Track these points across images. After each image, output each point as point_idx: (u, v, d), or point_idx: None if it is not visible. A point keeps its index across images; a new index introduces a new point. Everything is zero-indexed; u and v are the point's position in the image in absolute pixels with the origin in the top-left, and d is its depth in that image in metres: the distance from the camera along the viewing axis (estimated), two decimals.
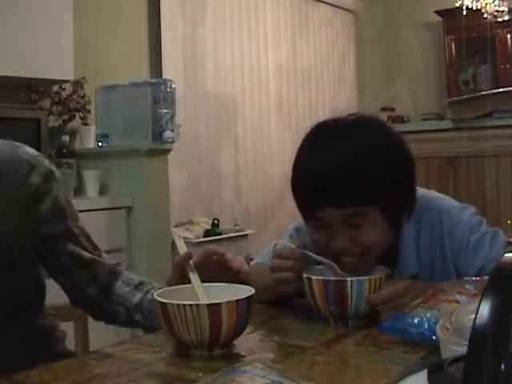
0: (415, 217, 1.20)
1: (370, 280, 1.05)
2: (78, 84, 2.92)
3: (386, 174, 1.09)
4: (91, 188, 2.78)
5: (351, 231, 1.11)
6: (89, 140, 2.97)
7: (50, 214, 1.12)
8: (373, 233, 1.10)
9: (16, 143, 1.12)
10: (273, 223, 4.18)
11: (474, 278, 0.98)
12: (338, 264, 1.15)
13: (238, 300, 0.92)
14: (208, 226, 3.35)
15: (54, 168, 1.15)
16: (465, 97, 4.66)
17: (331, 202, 1.08)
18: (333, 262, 1.15)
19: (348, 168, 1.07)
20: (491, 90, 4.61)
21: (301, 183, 1.14)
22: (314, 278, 1.08)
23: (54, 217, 1.13)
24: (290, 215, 4.30)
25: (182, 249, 1.07)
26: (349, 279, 1.05)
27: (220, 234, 3.34)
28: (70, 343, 1.33)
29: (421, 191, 1.24)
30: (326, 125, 1.16)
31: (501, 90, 4.47)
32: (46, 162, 1.14)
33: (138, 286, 1.21)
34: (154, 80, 2.94)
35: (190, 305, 0.89)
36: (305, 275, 1.09)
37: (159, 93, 2.75)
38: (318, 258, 1.14)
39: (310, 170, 1.11)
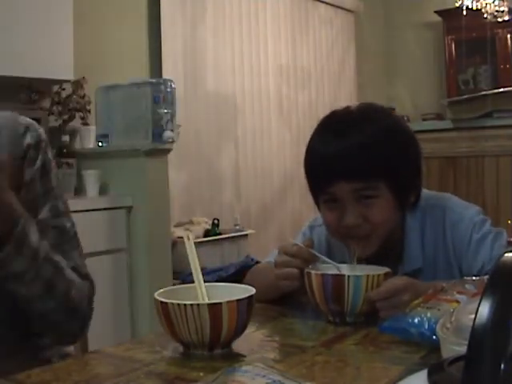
0: (421, 214, 1.25)
1: (368, 276, 1.06)
2: (78, 84, 2.92)
3: (395, 152, 1.16)
4: (91, 188, 2.77)
5: (362, 208, 1.16)
6: (89, 140, 2.96)
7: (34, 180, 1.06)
8: (382, 211, 1.16)
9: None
10: (273, 223, 4.18)
11: (474, 278, 0.98)
12: (349, 245, 1.20)
13: (238, 300, 0.92)
14: (208, 226, 3.35)
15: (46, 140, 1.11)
16: (465, 97, 4.66)
17: (343, 177, 1.14)
18: (344, 243, 1.22)
19: (360, 146, 1.14)
20: (491, 90, 4.60)
21: (315, 160, 1.20)
22: (313, 272, 1.10)
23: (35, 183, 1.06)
24: (290, 215, 4.32)
25: (191, 250, 1.08)
26: (346, 274, 1.07)
27: (220, 234, 3.34)
28: None
29: (428, 192, 1.29)
30: (338, 111, 1.24)
31: (501, 90, 4.47)
32: (42, 131, 1.11)
33: None
34: (153, 80, 2.93)
35: (191, 304, 0.89)
36: (305, 270, 1.11)
37: (159, 93, 2.75)
38: (325, 258, 1.16)
39: (324, 148, 1.18)
